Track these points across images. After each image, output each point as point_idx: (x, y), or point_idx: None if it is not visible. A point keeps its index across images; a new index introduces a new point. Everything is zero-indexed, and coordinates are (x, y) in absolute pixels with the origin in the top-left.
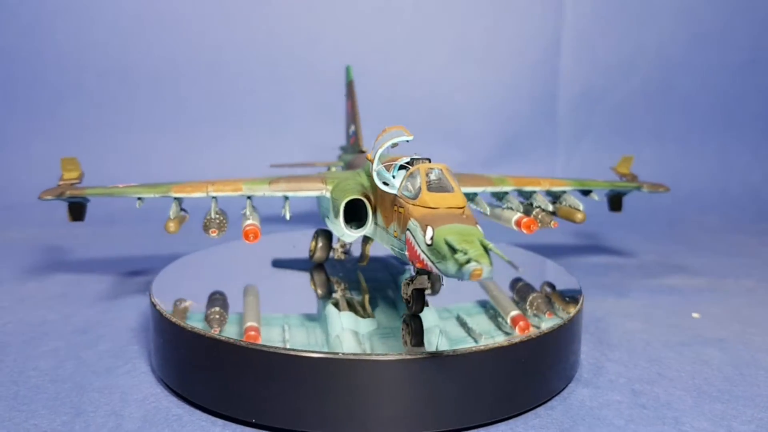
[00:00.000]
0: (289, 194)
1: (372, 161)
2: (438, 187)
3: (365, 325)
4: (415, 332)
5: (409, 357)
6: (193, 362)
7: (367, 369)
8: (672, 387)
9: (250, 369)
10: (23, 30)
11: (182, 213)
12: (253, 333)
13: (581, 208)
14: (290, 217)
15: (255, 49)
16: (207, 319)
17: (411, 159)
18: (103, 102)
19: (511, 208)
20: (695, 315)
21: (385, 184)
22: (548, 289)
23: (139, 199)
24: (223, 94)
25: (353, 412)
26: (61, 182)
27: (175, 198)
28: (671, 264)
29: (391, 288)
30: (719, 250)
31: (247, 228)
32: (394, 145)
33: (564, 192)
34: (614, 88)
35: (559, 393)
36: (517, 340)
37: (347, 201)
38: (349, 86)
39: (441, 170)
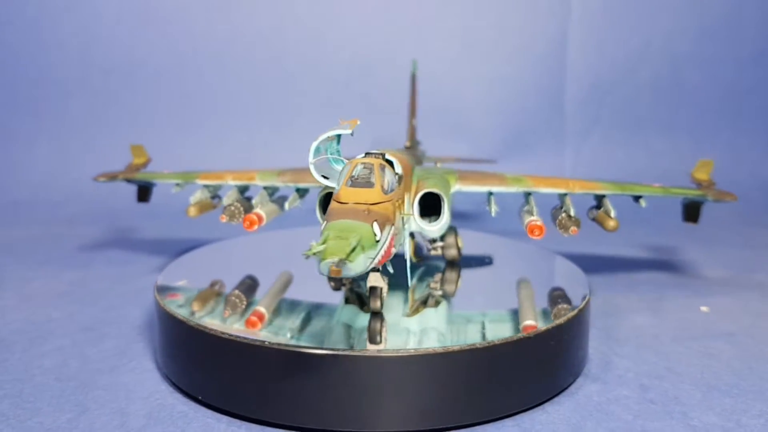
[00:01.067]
0: (291, 185)
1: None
2: (358, 182)
3: (362, 320)
4: (371, 330)
5: (412, 353)
6: (198, 359)
7: (370, 365)
8: (680, 382)
9: (253, 365)
10: (27, 26)
11: (212, 200)
12: (254, 318)
13: (613, 214)
14: (289, 208)
15: (260, 43)
16: (226, 300)
17: (365, 153)
18: (108, 98)
19: (529, 211)
20: (704, 309)
21: (326, 177)
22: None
23: (177, 185)
24: (230, 88)
25: (353, 408)
26: (129, 167)
27: (204, 186)
28: (680, 257)
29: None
30: (729, 243)
31: (248, 215)
32: (329, 138)
33: (603, 196)
34: (622, 82)
35: (566, 388)
36: (523, 336)
37: (323, 194)
38: (412, 80)
39: (372, 165)
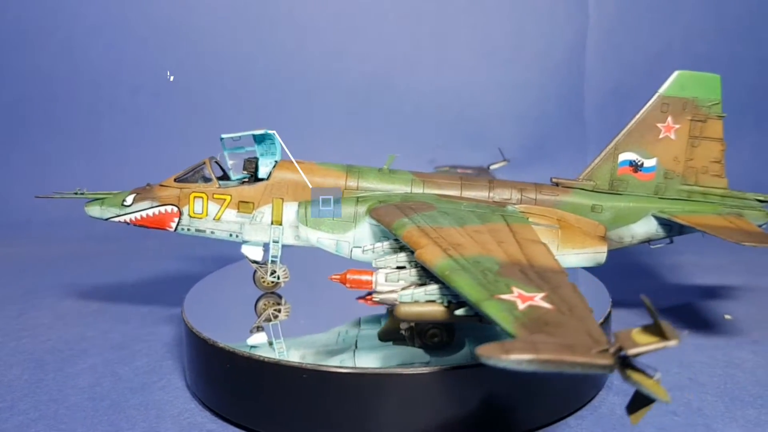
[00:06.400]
0: None
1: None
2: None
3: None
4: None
5: (428, 370)
6: (225, 378)
7: (396, 383)
8: (703, 392)
9: (279, 385)
10: (58, 50)
11: None
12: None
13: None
14: None
15: (283, 60)
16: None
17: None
18: (137, 118)
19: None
20: (728, 317)
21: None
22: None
23: None
24: (255, 105)
25: (378, 427)
26: None
27: None
28: (704, 264)
29: None
30: (754, 248)
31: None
32: (221, 140)
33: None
34: (642, 86)
35: (589, 401)
36: None
37: None
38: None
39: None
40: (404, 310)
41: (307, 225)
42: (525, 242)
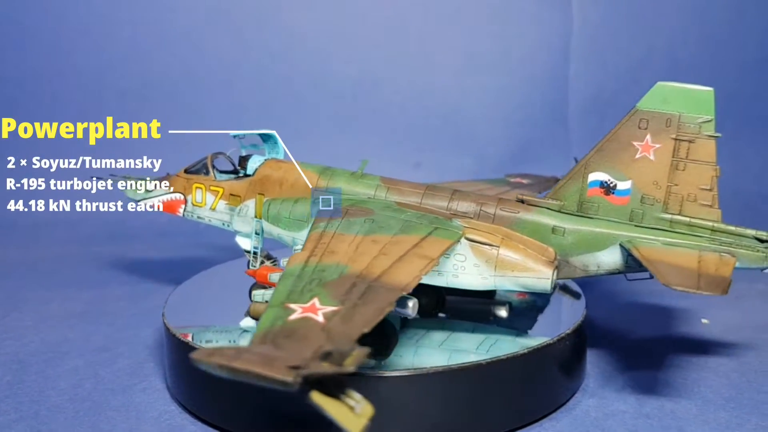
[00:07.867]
0: None
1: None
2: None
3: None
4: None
5: (407, 373)
6: (205, 381)
7: (370, 384)
8: (677, 395)
9: (257, 386)
10: (43, 52)
11: None
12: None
13: None
14: None
15: (270, 64)
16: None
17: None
18: (123, 119)
19: None
20: (705, 321)
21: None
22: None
23: None
24: (241, 108)
25: None
26: None
27: None
28: None
29: None
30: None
31: None
32: (235, 137)
33: None
34: (625, 91)
35: (564, 404)
36: (521, 352)
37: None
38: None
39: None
40: (252, 308)
41: (268, 221)
42: (411, 256)
